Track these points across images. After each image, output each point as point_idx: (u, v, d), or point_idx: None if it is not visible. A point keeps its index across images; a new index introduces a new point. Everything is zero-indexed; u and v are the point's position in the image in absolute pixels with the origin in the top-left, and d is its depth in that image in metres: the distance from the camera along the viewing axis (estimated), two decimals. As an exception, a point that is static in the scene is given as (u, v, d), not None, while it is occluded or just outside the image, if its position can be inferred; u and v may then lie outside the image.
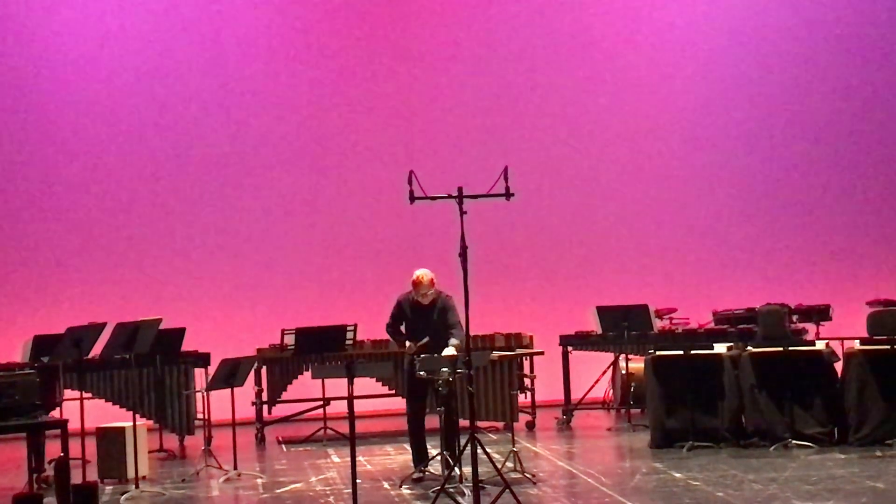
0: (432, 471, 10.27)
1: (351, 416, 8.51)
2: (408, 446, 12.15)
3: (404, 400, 12.95)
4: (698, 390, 11.61)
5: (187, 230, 15.59)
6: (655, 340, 13.09)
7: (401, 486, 10.10)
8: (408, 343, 10.37)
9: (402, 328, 10.53)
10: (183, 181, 15.61)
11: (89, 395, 11.90)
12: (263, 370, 13.22)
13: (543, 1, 16.36)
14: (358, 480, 8.74)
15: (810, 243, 16.52)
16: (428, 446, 10.50)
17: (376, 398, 13.44)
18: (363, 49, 16.03)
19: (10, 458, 11.58)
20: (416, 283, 10.33)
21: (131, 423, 10.83)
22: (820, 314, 14.02)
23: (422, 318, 10.38)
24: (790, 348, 11.54)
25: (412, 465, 10.74)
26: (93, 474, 10.72)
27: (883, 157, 16.79)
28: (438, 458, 10.20)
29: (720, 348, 11.84)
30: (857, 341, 11.54)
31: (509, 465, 10.29)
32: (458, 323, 9.97)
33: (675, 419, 11.68)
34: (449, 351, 10.03)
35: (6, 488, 9.81)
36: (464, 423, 10.01)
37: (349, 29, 16.04)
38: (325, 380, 12.80)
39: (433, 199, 8.76)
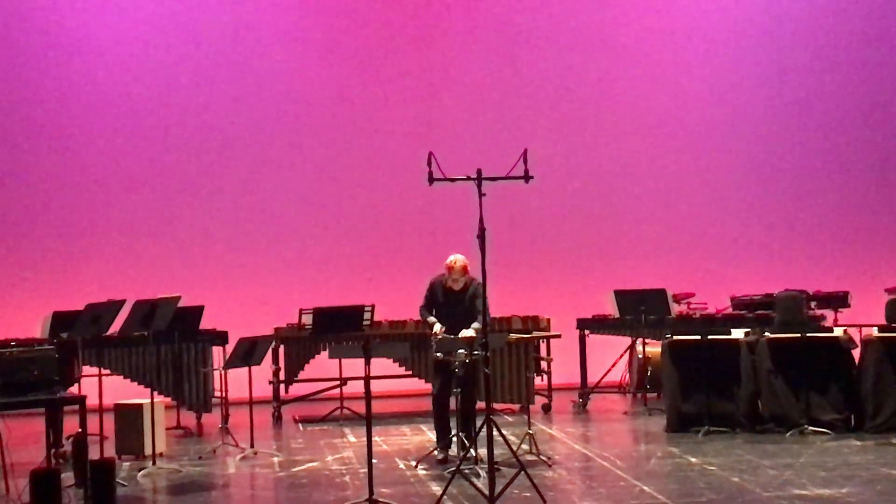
0: (451, 452, 10.29)
1: (367, 396, 8.53)
2: (424, 427, 12.24)
3: (421, 380, 13.09)
4: (715, 375, 11.62)
5: (207, 209, 15.62)
6: (673, 325, 13.09)
7: (416, 466, 10.13)
8: (436, 327, 10.37)
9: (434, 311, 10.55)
10: (203, 160, 15.64)
11: (107, 371, 11.98)
12: (281, 349, 13.26)
13: (566, -16, 16.36)
14: (374, 460, 8.77)
15: (830, 230, 16.48)
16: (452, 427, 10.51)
17: (393, 379, 13.43)
18: (384, 31, 16.01)
19: (28, 434, 11.64)
20: (449, 269, 10.35)
21: (149, 400, 10.88)
22: (838, 301, 14.00)
23: (453, 302, 10.40)
24: (808, 335, 11.53)
25: (429, 445, 10.80)
26: (110, 450, 10.81)
27: (904, 144, 16.75)
28: (454, 439, 10.24)
29: (737, 334, 11.84)
30: (876, 328, 11.55)
31: (525, 447, 10.30)
32: (485, 310, 9.85)
33: (692, 404, 11.69)
34: (467, 332, 10.05)
35: (24, 463, 9.85)
36: (480, 404, 10.03)
37: (370, 11, 16.02)
38: (342, 360, 12.81)
39: (452, 180, 8.74)
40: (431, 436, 11.14)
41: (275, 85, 15.84)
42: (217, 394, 12.62)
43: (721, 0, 16.59)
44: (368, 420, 8.55)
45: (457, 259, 10.34)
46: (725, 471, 9.56)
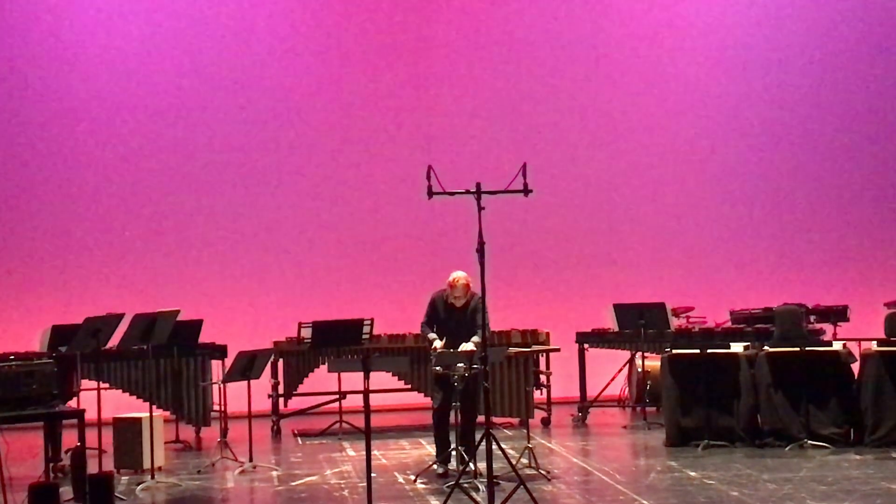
0: (451, 466, 10.27)
1: (367, 410, 8.52)
2: (423, 441, 12.23)
3: (420, 394, 13.08)
4: (714, 389, 11.60)
5: (206, 222, 15.62)
6: (672, 339, 13.07)
7: (415, 481, 10.12)
8: (436, 342, 10.36)
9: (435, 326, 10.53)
10: (202, 174, 15.63)
11: (106, 385, 11.96)
12: (280, 363, 13.25)
13: (564, -4, 16.40)
14: (373, 474, 8.76)
15: (829, 244, 16.47)
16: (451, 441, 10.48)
17: (392, 392, 13.45)
18: (383, 44, 16.03)
19: (27, 448, 11.62)
20: (451, 286, 10.34)
21: (148, 414, 10.86)
22: (837, 315, 13.99)
23: (454, 318, 10.39)
24: (807, 348, 11.53)
25: (428, 459, 10.79)
26: (109, 464, 10.79)
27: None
28: (453, 453, 10.22)
29: (737, 347, 11.83)
30: (875, 342, 11.54)
31: (524, 461, 10.31)
32: (485, 325, 9.77)
33: (691, 418, 11.68)
34: (467, 346, 10.04)
35: (23, 477, 9.85)
36: (479, 418, 10.02)
37: (369, 24, 16.04)
38: (342, 373, 12.82)
39: (451, 194, 8.75)
40: (430, 450, 11.14)
41: (273, 99, 15.85)
42: (216, 407, 12.59)
43: (722, 13, 16.59)
44: (367, 434, 8.54)
45: (458, 277, 10.32)
46: (725, 485, 9.55)
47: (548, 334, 13.29)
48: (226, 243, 15.63)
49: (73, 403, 11.17)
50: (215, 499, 9.90)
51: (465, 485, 9.28)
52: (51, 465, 10.28)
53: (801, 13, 16.64)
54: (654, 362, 13.58)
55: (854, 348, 11.84)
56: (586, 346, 13.94)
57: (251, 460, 10.99)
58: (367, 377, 8.57)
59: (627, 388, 14.72)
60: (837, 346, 11.70)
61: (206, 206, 15.65)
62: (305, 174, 15.85)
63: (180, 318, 10.97)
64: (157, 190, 15.57)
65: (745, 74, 16.54)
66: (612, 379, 14.46)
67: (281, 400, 13.44)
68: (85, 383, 11.64)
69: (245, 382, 10.94)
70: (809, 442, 11.21)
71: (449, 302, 10.39)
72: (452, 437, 10.29)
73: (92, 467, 9.54)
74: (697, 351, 11.80)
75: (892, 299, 13.90)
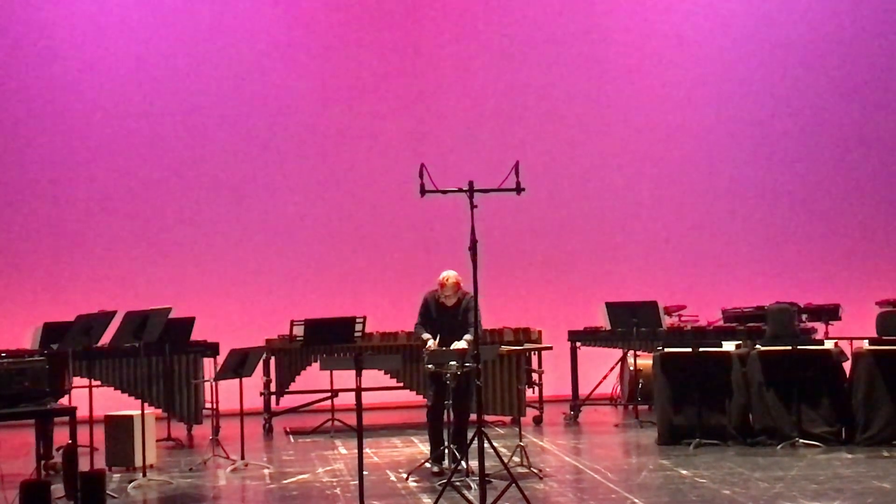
0: (445, 465, 10.25)
1: (359, 408, 8.52)
2: (415, 439, 12.23)
3: (412, 392, 13.08)
4: (706, 388, 11.61)
5: (198, 220, 15.60)
6: (664, 337, 13.09)
7: (407, 479, 10.12)
8: (429, 342, 10.34)
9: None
10: (194, 172, 15.62)
11: (98, 382, 11.96)
12: (272, 361, 13.23)
13: (557, -4, 16.39)
14: (365, 472, 8.75)
15: (821, 242, 16.49)
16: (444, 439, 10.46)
17: (384, 390, 13.43)
18: (375, 42, 16.02)
19: (18, 445, 11.62)
20: (441, 285, 10.34)
21: (139, 412, 10.83)
22: (829, 314, 14.00)
23: (446, 317, 10.38)
24: (799, 347, 11.53)
25: (420, 457, 10.79)
26: (100, 462, 10.76)
27: (894, 157, 16.76)
28: (447, 451, 10.22)
29: (729, 346, 11.84)
30: (866, 341, 11.55)
31: (516, 459, 10.30)
32: (477, 323, 9.76)
33: (683, 416, 11.69)
34: (459, 344, 10.03)
35: (14, 474, 9.84)
36: (472, 416, 10.02)
37: (361, 21, 16.03)
38: (334, 371, 12.81)
39: (444, 192, 8.75)
40: (423, 448, 11.15)
41: (265, 98, 15.83)
42: (208, 405, 12.59)
43: (717, 13, 16.59)
44: (359, 432, 8.53)
45: (448, 276, 10.33)
46: (716, 483, 9.56)
47: (540, 333, 13.30)
48: (217, 241, 15.61)
49: (64, 401, 11.15)
50: (207, 497, 9.88)
51: (457, 483, 9.28)
52: (42, 462, 10.28)
53: (797, 14, 16.64)
54: (646, 361, 13.58)
55: (846, 347, 11.87)
56: (578, 344, 13.94)
57: (243, 458, 10.98)
58: (359, 375, 8.58)
59: (619, 387, 14.74)
60: (829, 345, 11.71)
61: (198, 204, 15.62)
62: (297, 172, 15.83)
63: (172, 315, 10.94)
64: (149, 188, 15.53)
65: (738, 75, 16.54)
66: (605, 377, 14.47)
67: (273, 398, 13.42)
68: (76, 381, 11.63)
69: (237, 380, 10.94)
70: (801, 440, 11.22)
71: (440, 301, 10.40)
72: (446, 436, 10.28)
73: (83, 465, 9.53)
74: (689, 349, 11.80)
75: (883, 298, 13.94)
